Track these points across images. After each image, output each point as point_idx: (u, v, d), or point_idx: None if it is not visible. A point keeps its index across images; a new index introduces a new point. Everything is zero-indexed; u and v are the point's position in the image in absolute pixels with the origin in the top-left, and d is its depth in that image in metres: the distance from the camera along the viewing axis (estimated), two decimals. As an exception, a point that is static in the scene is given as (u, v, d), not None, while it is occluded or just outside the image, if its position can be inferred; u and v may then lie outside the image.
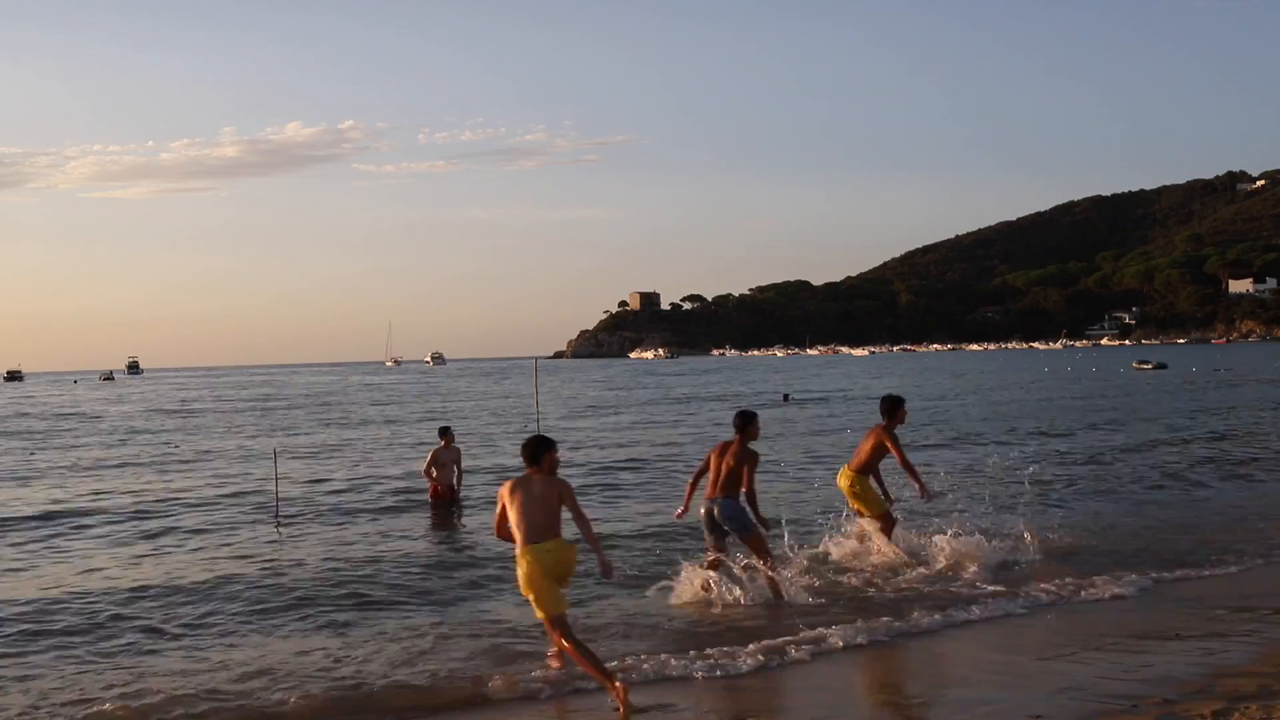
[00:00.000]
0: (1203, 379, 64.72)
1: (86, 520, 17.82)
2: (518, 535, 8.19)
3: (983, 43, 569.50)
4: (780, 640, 9.29)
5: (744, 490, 10.93)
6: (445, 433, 18.01)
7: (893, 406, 12.52)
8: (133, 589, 12.20)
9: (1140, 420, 34.54)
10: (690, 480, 11.49)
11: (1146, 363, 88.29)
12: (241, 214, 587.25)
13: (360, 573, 12.84)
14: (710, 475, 11.15)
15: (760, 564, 10.98)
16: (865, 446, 12.43)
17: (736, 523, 10.99)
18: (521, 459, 8.49)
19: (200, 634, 10.28)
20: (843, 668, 8.89)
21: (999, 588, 11.07)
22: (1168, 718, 7.25)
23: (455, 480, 17.83)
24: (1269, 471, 20.83)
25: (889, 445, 12.25)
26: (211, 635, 10.23)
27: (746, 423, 11.12)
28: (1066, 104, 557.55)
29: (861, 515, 12.50)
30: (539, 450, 8.41)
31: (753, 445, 11.17)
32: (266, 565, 13.43)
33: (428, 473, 17.75)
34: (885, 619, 9.96)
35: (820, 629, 9.62)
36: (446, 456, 17.70)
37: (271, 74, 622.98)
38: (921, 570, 11.82)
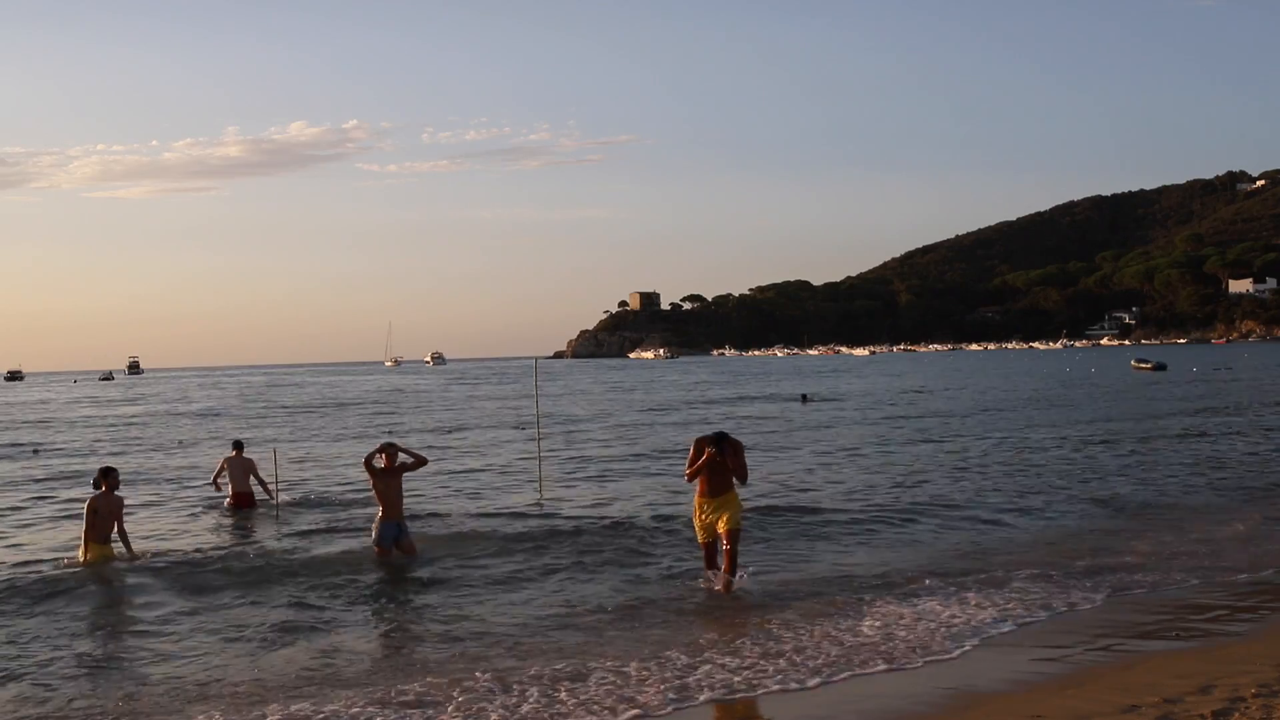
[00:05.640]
0: (1182, 379, 64.75)
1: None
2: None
3: (982, 43, 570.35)
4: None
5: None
6: (238, 445, 18.48)
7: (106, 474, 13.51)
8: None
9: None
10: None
11: (1145, 363, 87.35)
12: (244, 214, 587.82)
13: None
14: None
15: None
16: None
17: None
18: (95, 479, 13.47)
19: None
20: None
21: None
22: (1167, 718, 7.32)
23: (251, 487, 18.04)
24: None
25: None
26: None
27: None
28: (1066, 104, 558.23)
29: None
30: (110, 473, 13.37)
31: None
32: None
33: (214, 483, 18.45)
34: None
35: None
36: (236, 466, 18.03)
37: (275, 74, 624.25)
38: None
